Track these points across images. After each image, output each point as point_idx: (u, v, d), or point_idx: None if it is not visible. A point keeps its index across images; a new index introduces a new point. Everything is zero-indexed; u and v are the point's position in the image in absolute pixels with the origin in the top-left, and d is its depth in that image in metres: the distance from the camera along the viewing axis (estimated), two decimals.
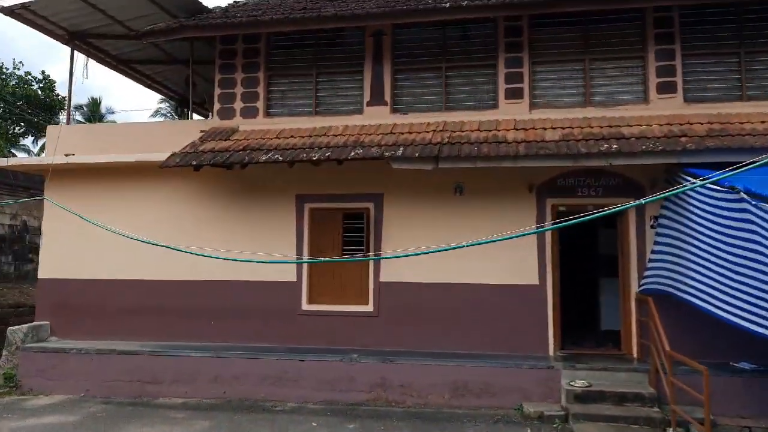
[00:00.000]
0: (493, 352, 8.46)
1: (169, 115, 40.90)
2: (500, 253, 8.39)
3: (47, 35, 10.62)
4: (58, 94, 26.63)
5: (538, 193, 8.73)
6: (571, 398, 7.42)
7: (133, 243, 9.15)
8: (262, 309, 9.23)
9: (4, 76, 25.46)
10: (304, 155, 8.28)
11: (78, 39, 10.75)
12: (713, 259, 6.71)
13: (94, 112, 31.76)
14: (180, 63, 12.62)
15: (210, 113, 10.97)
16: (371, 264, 9.12)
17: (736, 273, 6.35)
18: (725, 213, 6.57)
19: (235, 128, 9.48)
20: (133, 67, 12.59)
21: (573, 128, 8.22)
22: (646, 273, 8.14)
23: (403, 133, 8.66)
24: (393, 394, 8.11)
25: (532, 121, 8.61)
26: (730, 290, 6.47)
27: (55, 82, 26.61)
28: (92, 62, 11.54)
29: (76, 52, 10.98)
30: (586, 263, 10.93)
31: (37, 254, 19.27)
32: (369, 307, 9.06)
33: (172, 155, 8.77)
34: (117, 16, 10.35)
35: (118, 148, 9.66)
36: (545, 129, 8.29)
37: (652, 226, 8.41)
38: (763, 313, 5.93)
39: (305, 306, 9.23)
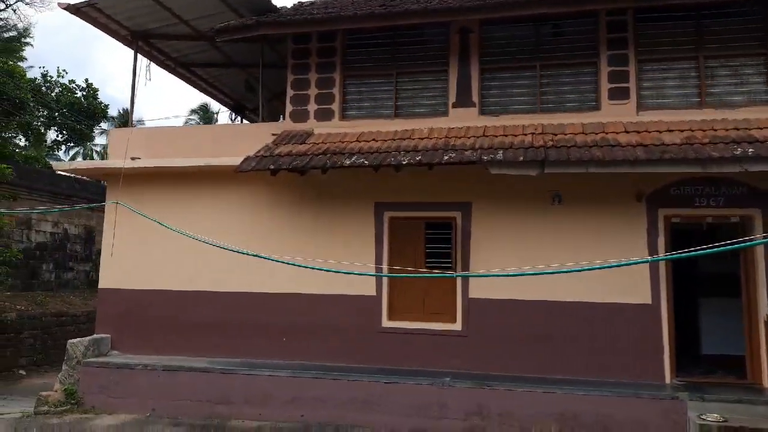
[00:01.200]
0: (600, 379, 7.60)
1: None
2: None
3: (110, 35, 10.19)
4: (101, 102, 26.66)
5: (648, 202, 7.89)
6: None
7: (199, 252, 8.66)
8: (338, 325, 8.55)
9: (48, 84, 25.55)
10: (392, 159, 7.60)
11: (140, 39, 10.30)
12: None
13: (124, 124, 31.87)
14: (238, 66, 12.17)
15: (260, 118, 10.38)
16: (459, 278, 8.37)
17: None
18: None
19: (310, 131, 8.86)
20: (192, 71, 12.14)
21: (693, 131, 7.39)
22: None
23: (496, 136, 7.94)
24: (491, 424, 7.31)
25: (643, 123, 7.80)
26: None
27: (98, 90, 26.64)
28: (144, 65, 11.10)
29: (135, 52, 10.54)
30: (682, 281, 10.00)
31: (77, 263, 19.17)
32: (457, 326, 8.30)
33: (247, 159, 8.19)
34: (183, 15, 9.86)
35: (183, 152, 9.12)
36: (660, 132, 7.47)
37: None
38: None
39: (386, 323, 8.50)
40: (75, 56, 55.17)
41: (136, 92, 10.25)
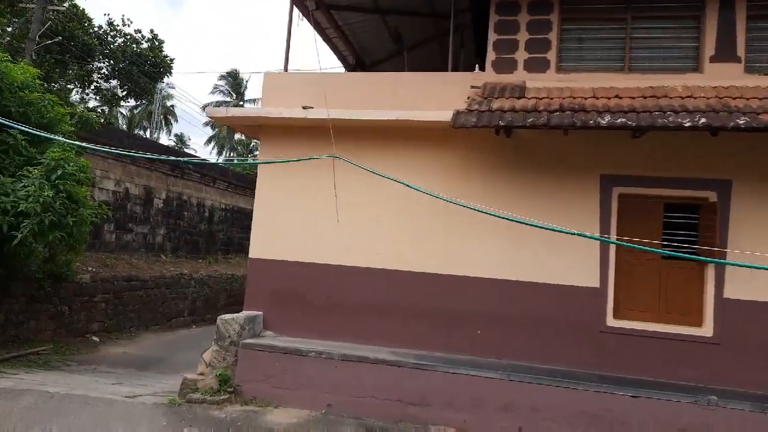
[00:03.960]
0: None
1: (225, 91, 39.74)
2: None
3: None
4: (166, 55, 25.24)
5: None
6: None
7: (378, 222, 7.30)
8: (550, 321, 7.13)
9: (114, 32, 24.14)
10: (665, 120, 6.01)
11: None
12: None
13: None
14: (385, 13, 10.58)
15: (450, 67, 8.80)
16: (710, 274, 6.85)
17: None
18: None
19: (521, 84, 7.29)
20: (330, 14, 10.56)
21: None
22: None
23: None
24: None
25: None
26: None
27: (163, 42, 25.21)
28: None
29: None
30: None
31: (137, 224, 17.99)
32: (705, 330, 6.81)
33: (460, 113, 6.67)
34: None
35: (361, 103, 7.64)
36: None
37: None
38: None
39: (611, 321, 7.04)
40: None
41: (291, 32, 8.68)
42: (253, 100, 38.24)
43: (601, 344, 7.00)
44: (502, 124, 6.38)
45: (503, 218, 5.99)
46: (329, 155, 6.60)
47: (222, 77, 40.92)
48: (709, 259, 6.33)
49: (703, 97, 6.49)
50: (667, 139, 6.80)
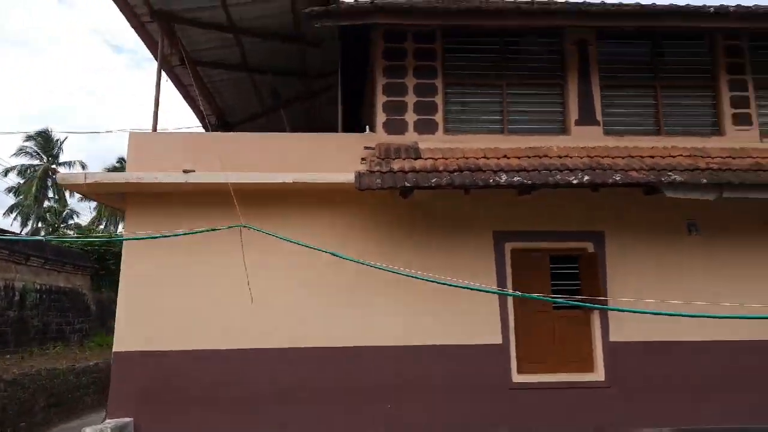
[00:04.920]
0: (755, 426, 6.94)
1: (33, 153, 34.91)
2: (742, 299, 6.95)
3: (124, 12, 7.77)
4: None
5: None
6: None
7: (271, 296, 6.67)
8: (461, 382, 6.97)
9: None
10: (555, 179, 6.40)
11: (162, 21, 8.01)
12: None
13: None
14: (257, 72, 10.22)
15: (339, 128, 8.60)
16: (596, 320, 7.30)
17: None
18: None
19: (415, 146, 7.33)
20: (198, 70, 9.88)
21: None
22: None
23: (651, 157, 7.14)
24: None
25: None
26: None
27: None
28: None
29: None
30: None
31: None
32: (598, 375, 7.17)
33: (363, 174, 6.43)
34: None
35: (250, 164, 7.02)
36: None
37: None
38: None
39: (516, 377, 7.08)
40: None
41: (160, 88, 7.74)
42: (68, 163, 34.06)
43: (511, 400, 6.99)
44: (408, 185, 6.26)
45: (414, 277, 5.82)
46: (236, 225, 5.87)
47: (30, 138, 35.84)
48: (595, 305, 6.77)
49: (577, 156, 7.09)
50: (547, 196, 7.22)
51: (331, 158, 7.19)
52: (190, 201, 7.01)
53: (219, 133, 7.74)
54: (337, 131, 8.07)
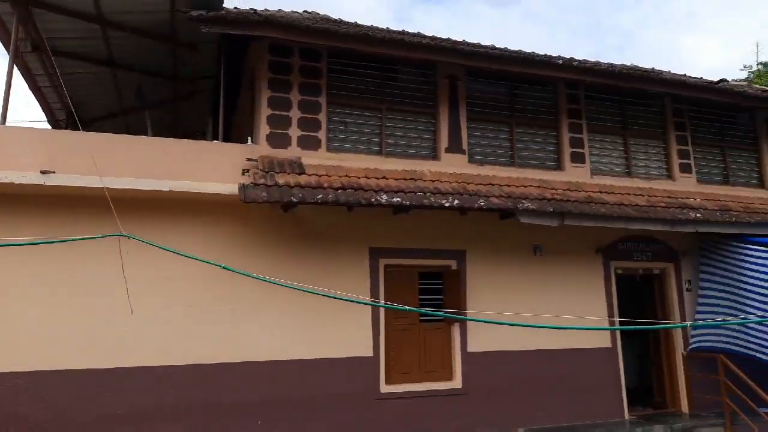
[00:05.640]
0: (582, 422, 8.16)
1: None
2: (574, 312, 8.16)
3: None
4: None
5: (603, 256, 8.97)
6: None
7: (119, 308, 6.34)
8: (332, 394, 7.16)
9: None
10: (427, 201, 6.96)
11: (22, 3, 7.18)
12: None
13: None
14: (122, 68, 9.56)
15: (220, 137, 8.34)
16: (456, 332, 7.99)
17: None
18: None
19: (298, 161, 7.44)
20: (43, 60, 8.94)
21: (650, 197, 8.80)
22: (696, 332, 8.99)
23: (509, 185, 8.08)
24: None
25: (607, 185, 8.92)
26: None
27: None
28: None
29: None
30: None
31: None
32: (456, 383, 7.84)
33: (248, 187, 6.40)
34: None
35: (117, 168, 6.58)
36: (629, 194, 8.68)
37: (687, 290, 9.40)
38: None
39: (384, 387, 7.47)
40: None
41: (12, 76, 6.80)
42: None
43: (379, 410, 7.34)
44: (295, 200, 6.35)
45: (295, 288, 5.95)
46: (116, 233, 5.41)
47: None
48: (456, 316, 7.45)
49: (447, 181, 7.76)
50: (419, 216, 7.77)
51: (211, 167, 6.99)
52: (53, 205, 6.35)
53: (89, 132, 7.06)
54: (202, 139, 7.85)
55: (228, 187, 6.58)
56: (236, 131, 10.20)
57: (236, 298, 6.95)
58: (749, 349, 8.32)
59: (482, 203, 7.20)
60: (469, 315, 7.72)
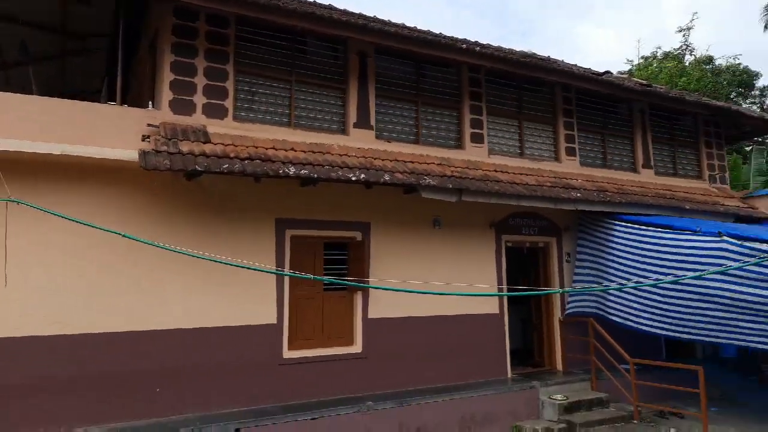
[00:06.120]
0: (469, 381, 8.93)
1: None
2: (468, 281, 8.83)
3: None
4: None
5: (496, 230, 9.71)
6: (561, 411, 8.55)
7: (19, 279, 6.13)
8: (236, 362, 7.31)
9: None
10: (335, 174, 7.18)
11: None
12: (653, 290, 8.92)
13: None
14: (4, 20, 8.77)
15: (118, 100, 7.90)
16: (358, 300, 8.36)
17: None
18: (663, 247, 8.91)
19: (203, 129, 7.32)
20: None
21: (539, 176, 9.59)
22: (571, 299, 10.07)
23: (413, 162, 8.47)
24: None
25: (502, 165, 9.60)
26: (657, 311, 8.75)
27: None
28: None
29: None
30: None
31: None
32: (356, 348, 8.25)
33: (149, 153, 6.25)
34: None
35: (4, 129, 6.15)
36: (520, 174, 9.41)
37: (567, 261, 10.45)
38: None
39: (286, 353, 7.71)
40: None
41: None
42: None
43: (282, 376, 7.58)
44: (200, 169, 6.30)
45: (199, 257, 5.98)
46: (2, 198, 5.07)
47: None
48: (357, 284, 7.81)
49: (354, 156, 8.00)
50: (325, 188, 7.96)
51: (110, 132, 6.69)
52: None
53: None
54: (95, 101, 7.44)
55: (128, 153, 6.37)
56: (134, 95, 9.72)
57: (138, 268, 6.81)
58: (608, 313, 9.45)
59: (387, 178, 7.53)
60: (371, 284, 8.13)
